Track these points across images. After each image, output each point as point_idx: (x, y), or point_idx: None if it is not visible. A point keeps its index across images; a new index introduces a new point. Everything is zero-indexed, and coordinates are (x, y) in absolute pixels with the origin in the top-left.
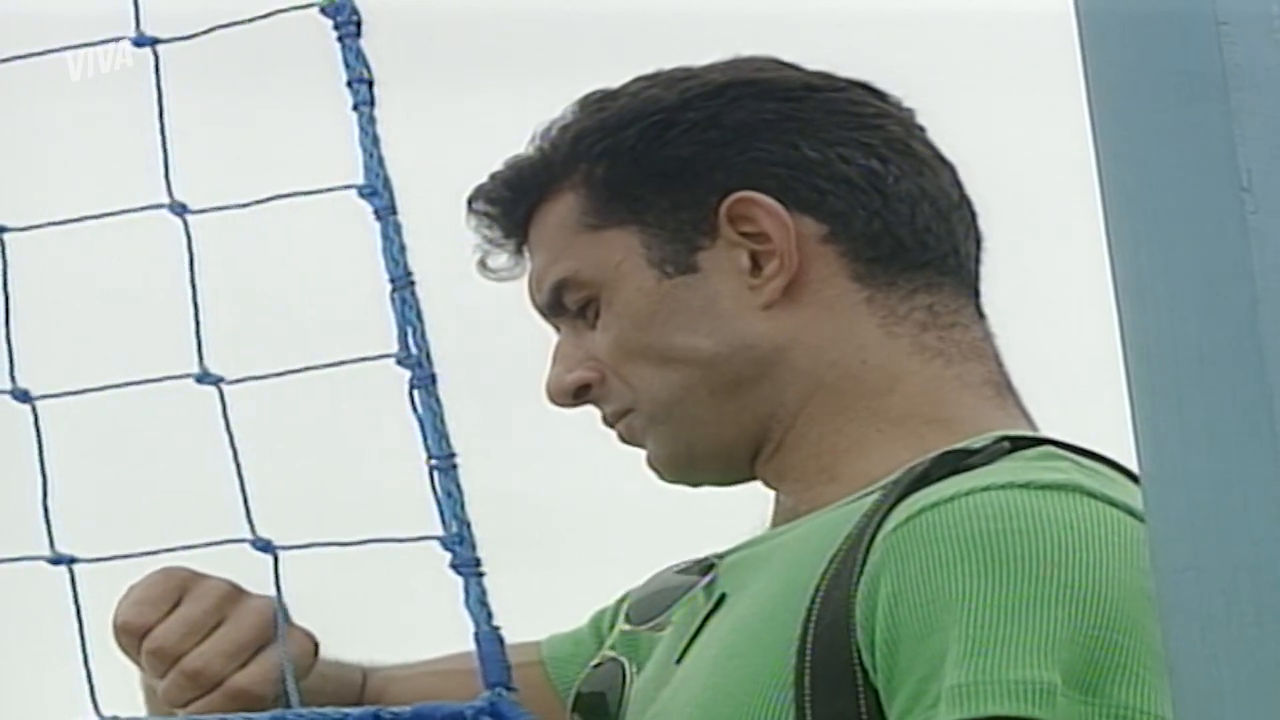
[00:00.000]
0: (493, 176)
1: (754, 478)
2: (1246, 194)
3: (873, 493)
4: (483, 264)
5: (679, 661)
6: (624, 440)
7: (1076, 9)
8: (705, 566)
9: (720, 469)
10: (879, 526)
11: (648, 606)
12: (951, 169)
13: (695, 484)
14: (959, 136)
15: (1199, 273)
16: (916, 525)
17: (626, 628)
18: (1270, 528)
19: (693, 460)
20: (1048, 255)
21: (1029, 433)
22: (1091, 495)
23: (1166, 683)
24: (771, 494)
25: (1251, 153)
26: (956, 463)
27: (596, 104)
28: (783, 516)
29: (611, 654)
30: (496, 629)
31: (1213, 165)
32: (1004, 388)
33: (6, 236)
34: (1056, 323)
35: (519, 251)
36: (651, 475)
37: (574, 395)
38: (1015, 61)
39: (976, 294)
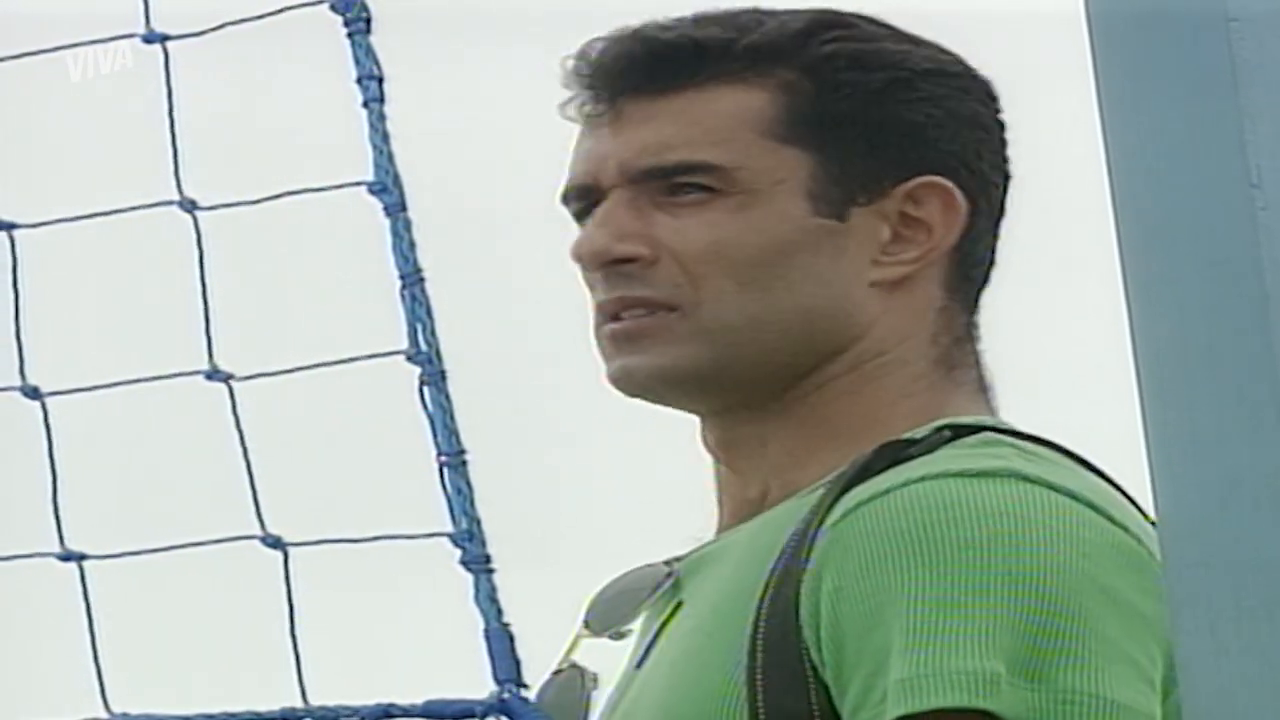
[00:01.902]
0: (682, 30)
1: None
2: (1256, 190)
3: (819, 488)
4: (579, 105)
5: (639, 667)
6: (622, 334)
7: (1086, 6)
8: (664, 572)
9: (701, 400)
10: (822, 522)
11: (607, 613)
12: None
13: (658, 402)
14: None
15: (1209, 269)
16: (855, 520)
17: (585, 634)
18: (1279, 525)
19: (690, 384)
20: (1057, 252)
21: (970, 419)
22: (1028, 480)
23: (1114, 665)
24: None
25: (1261, 149)
26: (897, 454)
27: (842, 29)
28: (729, 517)
29: (571, 661)
30: (506, 625)
31: (1222, 161)
32: (984, 386)
33: (16, 234)
34: (1066, 321)
35: (614, 102)
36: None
37: (610, 263)
38: (1024, 59)
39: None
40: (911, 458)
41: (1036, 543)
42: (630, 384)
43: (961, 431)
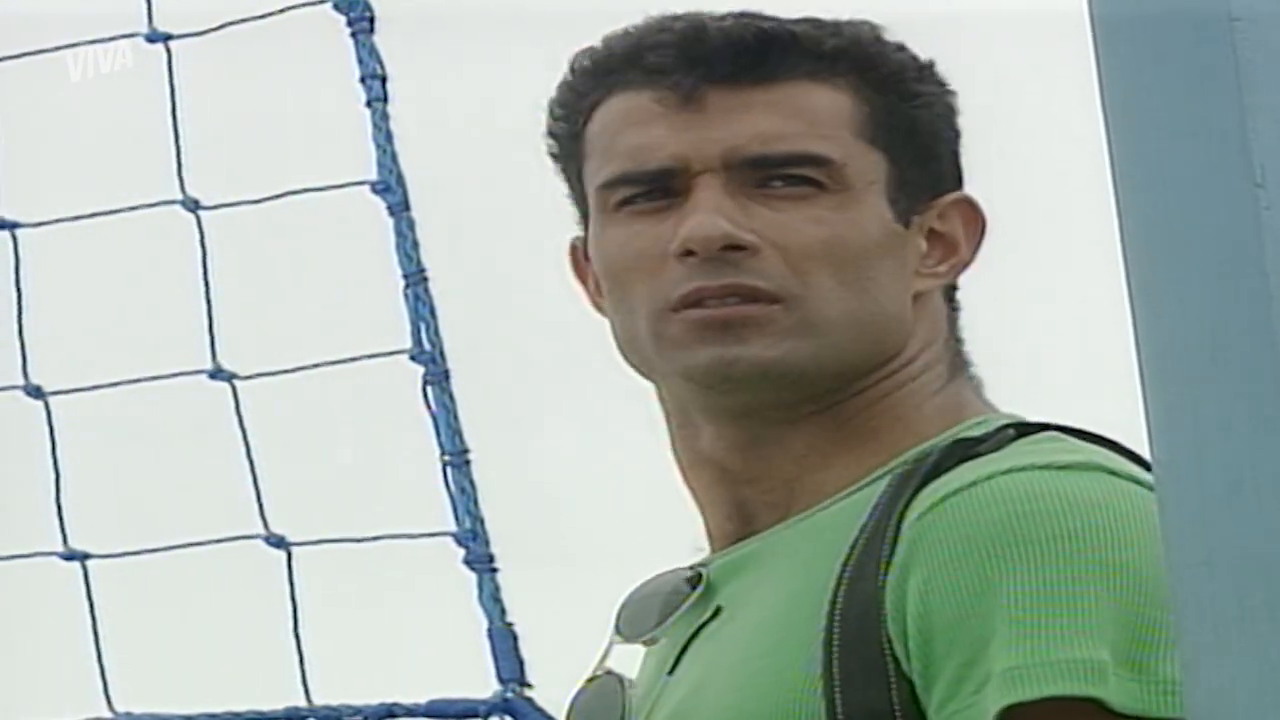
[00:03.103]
0: (781, 23)
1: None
2: (1260, 190)
3: (877, 478)
4: (654, 91)
5: (670, 673)
6: (719, 321)
7: (1090, 6)
8: (693, 576)
9: (784, 393)
10: (901, 517)
11: (637, 619)
12: None
13: (739, 396)
14: (973, 135)
15: (1212, 269)
16: (942, 513)
17: (618, 640)
18: None
19: (790, 378)
20: (1061, 253)
21: (1033, 419)
22: (1115, 473)
23: None
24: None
25: (1265, 148)
26: (966, 450)
27: (901, 41)
28: (738, 523)
29: (606, 667)
30: (510, 625)
31: (1226, 161)
32: (980, 384)
33: (18, 234)
34: (1068, 320)
35: (697, 88)
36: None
37: (721, 248)
38: (1027, 60)
39: None
40: (981, 454)
41: (1130, 535)
42: (728, 373)
43: (1024, 429)
